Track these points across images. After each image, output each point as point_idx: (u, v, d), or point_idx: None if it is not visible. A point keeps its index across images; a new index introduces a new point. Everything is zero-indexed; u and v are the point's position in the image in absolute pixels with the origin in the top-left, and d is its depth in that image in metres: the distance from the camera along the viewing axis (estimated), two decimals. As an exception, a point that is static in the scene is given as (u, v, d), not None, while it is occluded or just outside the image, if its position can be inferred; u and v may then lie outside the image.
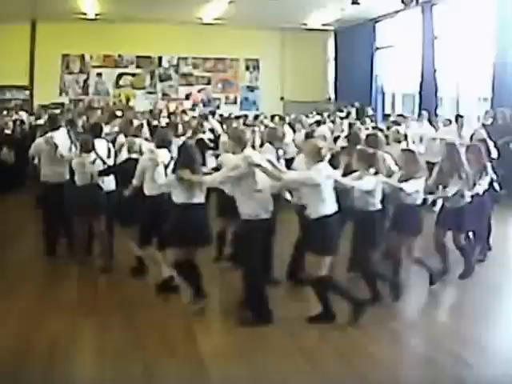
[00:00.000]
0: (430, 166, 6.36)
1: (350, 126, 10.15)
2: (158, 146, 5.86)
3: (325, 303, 4.86)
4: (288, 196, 5.73)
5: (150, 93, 18.43)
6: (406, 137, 8.26)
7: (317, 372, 4.12)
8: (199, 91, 18.85)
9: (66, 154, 6.70)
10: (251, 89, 19.25)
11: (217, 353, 4.41)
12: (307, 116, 13.74)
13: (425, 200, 5.73)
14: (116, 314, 5.12)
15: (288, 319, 4.89)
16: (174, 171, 5.19)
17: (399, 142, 7.64)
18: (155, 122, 12.24)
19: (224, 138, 7.84)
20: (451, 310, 5.61)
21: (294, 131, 10.85)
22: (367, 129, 9.65)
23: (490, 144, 7.68)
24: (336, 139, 9.51)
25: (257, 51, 18.68)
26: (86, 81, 18.00)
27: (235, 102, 19.13)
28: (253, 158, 4.73)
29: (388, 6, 14.82)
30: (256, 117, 14.45)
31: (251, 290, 4.89)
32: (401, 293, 5.41)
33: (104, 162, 6.40)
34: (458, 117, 10.67)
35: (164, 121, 13.08)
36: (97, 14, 16.05)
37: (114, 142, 7.30)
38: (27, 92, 17.12)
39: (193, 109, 17.55)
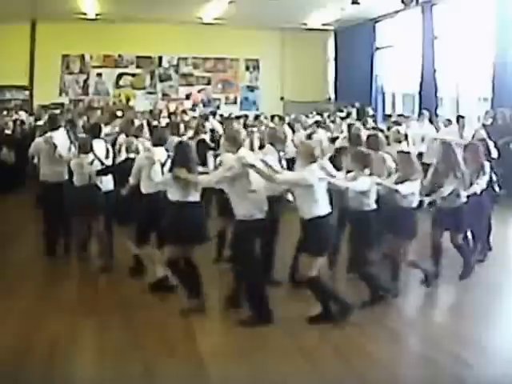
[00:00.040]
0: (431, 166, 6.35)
1: (350, 126, 10.16)
2: (155, 145, 5.90)
3: (324, 303, 4.86)
4: (290, 197, 5.74)
5: (150, 93, 18.42)
6: (406, 137, 8.27)
7: (316, 372, 4.12)
8: (199, 91, 18.84)
9: (64, 155, 6.72)
10: (251, 89, 19.24)
11: (216, 352, 4.41)
12: (307, 116, 13.75)
13: (421, 202, 5.70)
14: (115, 313, 5.12)
15: (288, 319, 4.89)
16: (170, 170, 5.22)
17: (399, 142, 7.64)
18: (155, 123, 12.24)
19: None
20: (451, 310, 5.61)
21: (293, 131, 10.85)
22: (368, 129, 9.65)
23: (491, 144, 7.67)
24: (334, 140, 9.49)
25: (257, 51, 18.67)
26: (86, 81, 17.98)
27: (235, 102, 19.12)
28: (246, 159, 4.76)
29: (388, 6, 14.82)
30: (256, 117, 14.45)
31: (250, 290, 4.89)
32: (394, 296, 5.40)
33: (102, 163, 6.43)
34: (460, 117, 10.67)
35: (164, 121, 13.09)
36: (97, 14, 16.04)
37: (114, 142, 7.31)
38: (27, 92, 17.10)
39: (193, 109, 17.53)
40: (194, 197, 5.18)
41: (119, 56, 18.09)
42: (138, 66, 18.29)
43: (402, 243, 5.49)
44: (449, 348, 4.45)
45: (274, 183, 4.93)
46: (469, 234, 6.66)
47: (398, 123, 10.36)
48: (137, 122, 8.21)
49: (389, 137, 7.78)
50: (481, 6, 12.63)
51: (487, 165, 6.36)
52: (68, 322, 4.88)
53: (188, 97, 18.70)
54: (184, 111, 14.98)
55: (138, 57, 18.16)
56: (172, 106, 17.64)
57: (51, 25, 16.26)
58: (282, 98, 18.88)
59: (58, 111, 13.24)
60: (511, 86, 11.39)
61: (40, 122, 11.71)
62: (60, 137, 6.90)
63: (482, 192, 6.22)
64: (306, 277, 4.81)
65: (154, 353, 4.35)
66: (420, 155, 9.22)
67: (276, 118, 12.96)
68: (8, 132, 11.78)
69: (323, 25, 17.47)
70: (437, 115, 12.79)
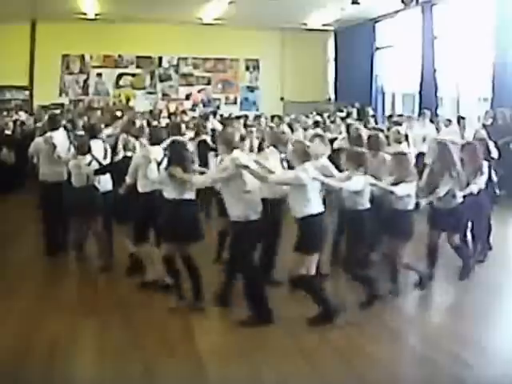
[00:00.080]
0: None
1: (348, 126, 10.15)
2: (153, 144, 5.92)
3: (322, 302, 4.85)
4: None
5: (150, 93, 18.42)
6: (406, 137, 8.25)
7: (316, 372, 4.12)
8: (199, 91, 18.84)
9: (63, 156, 6.73)
10: (251, 89, 19.24)
11: (216, 352, 4.42)
12: (307, 116, 13.76)
13: (417, 204, 5.68)
14: (115, 313, 5.13)
15: (288, 319, 4.89)
16: (167, 168, 5.25)
17: (400, 142, 7.63)
18: (155, 123, 12.23)
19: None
20: (451, 310, 5.60)
21: (292, 131, 10.86)
22: (369, 129, 9.65)
23: (491, 144, 7.65)
24: (333, 141, 9.47)
25: (257, 51, 18.67)
26: (86, 81, 17.98)
27: (235, 103, 19.12)
28: (240, 160, 4.78)
29: (388, 6, 14.82)
30: (256, 117, 14.45)
31: (249, 290, 4.90)
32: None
33: (100, 164, 6.45)
34: (460, 118, 10.66)
35: (164, 121, 13.09)
36: (97, 14, 16.04)
37: (116, 142, 7.31)
38: (27, 92, 17.10)
39: (193, 109, 17.55)
40: (190, 195, 5.23)
41: (119, 56, 18.09)
42: (138, 66, 18.29)
43: (398, 245, 5.47)
44: (448, 348, 4.45)
45: (267, 183, 4.96)
46: (468, 234, 6.66)
47: (398, 123, 10.34)
48: (137, 123, 8.21)
49: (389, 137, 7.77)
50: (481, 6, 12.63)
51: (485, 165, 6.33)
52: (68, 321, 4.89)
53: (188, 97, 18.70)
54: (184, 111, 14.99)
55: (138, 57, 18.16)
56: (172, 107, 17.65)
57: (51, 25, 16.26)
58: (282, 99, 18.88)
59: (58, 111, 13.25)
60: (511, 86, 11.39)
61: (39, 124, 11.73)
62: (59, 137, 6.91)
63: (479, 192, 6.16)
64: (296, 275, 4.81)
65: (153, 353, 4.35)
66: (422, 155, 9.23)
67: (276, 119, 12.95)
68: (8, 132, 11.79)
69: (323, 25, 17.47)
70: (437, 115, 12.79)
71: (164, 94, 18.51)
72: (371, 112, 14.75)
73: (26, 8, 14.69)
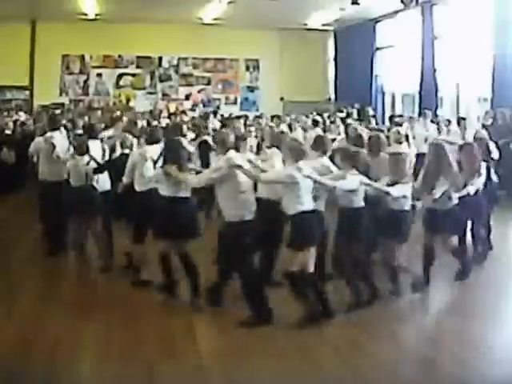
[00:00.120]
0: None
1: (347, 126, 10.14)
2: (150, 143, 5.97)
3: (308, 304, 4.84)
4: None
5: (150, 93, 18.43)
6: (407, 138, 8.25)
7: (316, 372, 4.12)
8: (199, 91, 18.85)
9: (62, 156, 6.74)
10: (251, 89, 19.24)
11: (216, 352, 4.43)
12: (307, 116, 13.74)
13: (413, 206, 5.63)
14: (116, 313, 5.12)
15: (288, 319, 4.88)
16: (162, 167, 5.30)
17: (400, 142, 7.62)
18: (155, 123, 12.24)
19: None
20: (451, 310, 5.59)
21: (291, 130, 10.87)
22: (370, 130, 9.63)
23: (492, 144, 7.63)
24: (332, 141, 9.46)
25: (257, 51, 18.68)
26: (86, 81, 18.00)
27: (235, 103, 19.12)
28: (234, 160, 4.80)
29: (388, 6, 14.82)
30: (256, 117, 14.44)
31: (248, 291, 4.89)
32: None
33: (98, 164, 6.45)
34: (461, 119, 10.65)
35: (164, 121, 13.09)
36: (97, 15, 16.05)
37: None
38: (27, 92, 17.13)
39: (193, 109, 17.56)
40: (185, 192, 5.26)
41: (119, 56, 18.10)
42: (138, 67, 18.30)
43: (394, 246, 5.45)
44: (449, 348, 4.45)
45: (261, 183, 4.98)
46: (467, 234, 6.65)
47: (398, 124, 10.34)
48: (139, 123, 8.24)
49: (389, 137, 7.76)
50: (480, 7, 12.63)
51: (483, 165, 6.29)
52: (69, 322, 4.88)
53: (188, 97, 18.70)
54: (183, 111, 14.99)
55: (138, 57, 18.18)
56: (172, 107, 17.65)
57: (51, 25, 16.29)
58: (281, 99, 18.88)
59: (58, 111, 13.26)
60: (511, 86, 11.39)
61: (39, 125, 11.73)
62: (59, 137, 6.92)
63: (477, 192, 6.11)
64: (286, 271, 4.82)
65: (154, 353, 4.35)
66: (423, 156, 9.19)
67: (275, 119, 12.94)
68: (8, 132, 11.78)
69: (323, 25, 17.47)
70: (436, 115, 12.79)
71: (164, 94, 18.53)
72: (371, 112, 14.77)
73: (25, 8, 14.71)
